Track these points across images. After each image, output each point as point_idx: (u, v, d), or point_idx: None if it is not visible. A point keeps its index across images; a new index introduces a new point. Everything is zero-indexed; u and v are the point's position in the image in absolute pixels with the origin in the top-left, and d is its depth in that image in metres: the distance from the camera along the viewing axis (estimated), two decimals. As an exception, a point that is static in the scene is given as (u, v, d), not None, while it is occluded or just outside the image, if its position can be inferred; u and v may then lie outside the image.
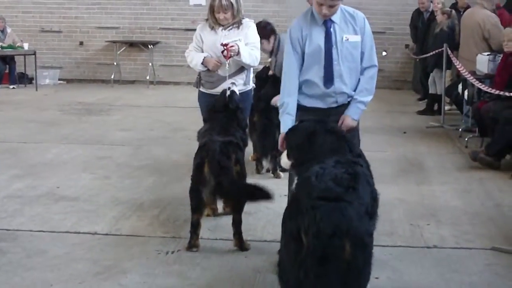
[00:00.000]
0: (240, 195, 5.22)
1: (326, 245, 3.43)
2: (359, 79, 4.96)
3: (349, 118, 4.90)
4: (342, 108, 4.93)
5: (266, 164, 7.71)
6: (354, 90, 4.93)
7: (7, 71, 16.18)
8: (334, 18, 4.81)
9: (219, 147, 5.18)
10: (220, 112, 5.77)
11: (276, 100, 6.14)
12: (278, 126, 7.40)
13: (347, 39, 4.84)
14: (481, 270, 5.00)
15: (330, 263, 3.44)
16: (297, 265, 3.54)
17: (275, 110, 7.39)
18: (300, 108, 4.94)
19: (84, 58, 17.33)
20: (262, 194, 4.98)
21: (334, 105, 4.92)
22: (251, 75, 6.50)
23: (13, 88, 15.84)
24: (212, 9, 6.22)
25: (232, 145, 5.34)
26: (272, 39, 7.60)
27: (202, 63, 6.25)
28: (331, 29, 4.83)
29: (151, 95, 14.99)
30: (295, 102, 4.90)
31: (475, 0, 12.54)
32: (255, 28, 6.37)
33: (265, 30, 7.51)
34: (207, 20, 6.35)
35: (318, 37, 4.83)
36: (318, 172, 3.77)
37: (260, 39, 6.69)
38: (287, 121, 4.85)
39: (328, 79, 4.85)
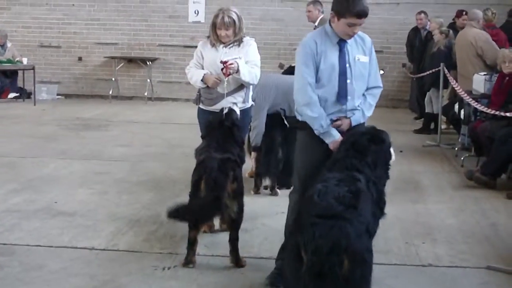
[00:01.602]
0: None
1: (323, 261, 3.50)
2: (365, 96, 5.04)
3: (349, 122, 4.94)
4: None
5: (268, 181, 7.72)
6: None
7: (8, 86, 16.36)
8: None
9: (217, 164, 5.22)
10: (216, 129, 5.80)
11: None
12: (281, 144, 7.48)
13: (359, 59, 4.95)
14: (475, 289, 5.03)
15: (328, 279, 3.51)
16: (297, 281, 3.60)
17: (278, 128, 7.46)
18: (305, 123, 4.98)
19: (82, 73, 17.40)
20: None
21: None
22: (251, 93, 6.52)
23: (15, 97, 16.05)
24: (214, 26, 6.23)
25: (230, 162, 5.37)
26: None
27: (201, 80, 6.27)
28: (345, 49, 4.90)
29: (149, 111, 15.03)
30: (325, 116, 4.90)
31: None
32: (256, 46, 6.39)
33: None
34: (208, 37, 6.36)
35: (332, 56, 4.89)
36: (321, 190, 3.86)
37: None
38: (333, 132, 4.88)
39: (342, 96, 4.90)
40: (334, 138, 4.84)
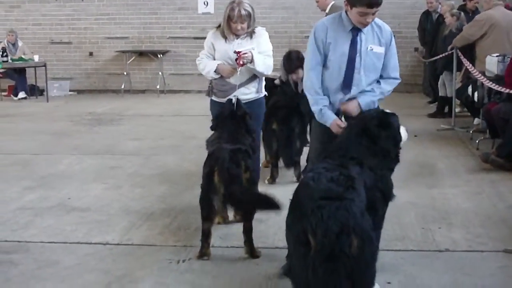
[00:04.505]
0: (251, 203, 5.19)
1: (334, 242, 3.52)
2: (380, 82, 5.01)
3: (356, 104, 4.90)
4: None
5: (294, 172, 7.68)
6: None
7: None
8: None
9: (228, 155, 5.18)
10: (227, 119, 5.77)
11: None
12: (299, 134, 7.46)
13: (372, 49, 4.89)
14: (493, 273, 4.97)
15: (339, 259, 3.53)
16: (306, 266, 3.62)
17: (296, 118, 7.43)
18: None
19: (94, 68, 17.43)
20: (271, 204, 4.95)
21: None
22: (263, 83, 6.48)
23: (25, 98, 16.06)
24: (229, 19, 6.09)
25: (241, 152, 5.32)
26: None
27: (215, 71, 6.23)
28: (358, 38, 4.86)
29: (162, 104, 15.03)
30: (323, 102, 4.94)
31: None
32: (267, 36, 6.31)
33: (299, 61, 7.47)
34: (218, 27, 6.30)
35: (343, 44, 4.86)
36: (314, 177, 3.89)
37: (296, 70, 7.44)
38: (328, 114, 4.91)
39: (347, 85, 4.89)
40: (330, 120, 4.86)
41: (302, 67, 7.36)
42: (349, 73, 4.85)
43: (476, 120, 10.77)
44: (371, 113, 4.62)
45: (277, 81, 8.15)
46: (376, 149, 4.32)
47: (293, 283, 3.95)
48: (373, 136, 4.35)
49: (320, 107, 4.89)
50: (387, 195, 4.37)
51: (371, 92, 4.96)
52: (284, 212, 5.80)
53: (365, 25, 4.80)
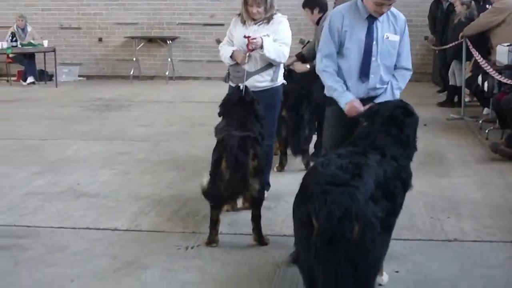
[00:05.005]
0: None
1: (336, 226, 3.54)
2: (395, 76, 5.05)
3: None
4: (371, 99, 4.98)
5: (302, 159, 7.66)
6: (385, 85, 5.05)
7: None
8: None
9: (237, 142, 5.18)
10: (236, 106, 5.75)
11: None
12: (308, 122, 7.42)
13: (388, 37, 4.94)
14: (501, 263, 4.96)
15: (339, 243, 3.55)
16: (308, 249, 3.65)
17: (305, 105, 7.41)
18: None
19: (103, 54, 17.42)
20: None
21: (365, 96, 5.00)
22: (280, 72, 6.41)
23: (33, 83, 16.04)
24: (245, 3, 6.08)
25: (250, 140, 5.32)
26: (316, 11, 7.67)
27: (230, 57, 6.21)
28: (374, 25, 4.90)
29: (171, 91, 15.02)
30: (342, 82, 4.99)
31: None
32: (287, 23, 6.25)
33: (312, 1, 7.69)
34: (239, 15, 6.28)
35: (359, 31, 4.90)
36: (324, 162, 3.93)
37: (305, 7, 7.60)
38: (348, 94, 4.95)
39: (364, 73, 4.93)
40: (348, 99, 4.88)
41: (310, 7, 7.68)
42: (367, 61, 4.89)
43: (486, 110, 10.73)
44: (393, 102, 4.64)
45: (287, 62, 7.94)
46: (401, 138, 4.34)
47: (301, 270, 3.96)
48: (400, 124, 4.36)
49: (340, 84, 4.93)
50: (406, 184, 4.37)
51: (390, 93, 5.00)
52: (292, 200, 5.83)
53: (381, 14, 4.85)
